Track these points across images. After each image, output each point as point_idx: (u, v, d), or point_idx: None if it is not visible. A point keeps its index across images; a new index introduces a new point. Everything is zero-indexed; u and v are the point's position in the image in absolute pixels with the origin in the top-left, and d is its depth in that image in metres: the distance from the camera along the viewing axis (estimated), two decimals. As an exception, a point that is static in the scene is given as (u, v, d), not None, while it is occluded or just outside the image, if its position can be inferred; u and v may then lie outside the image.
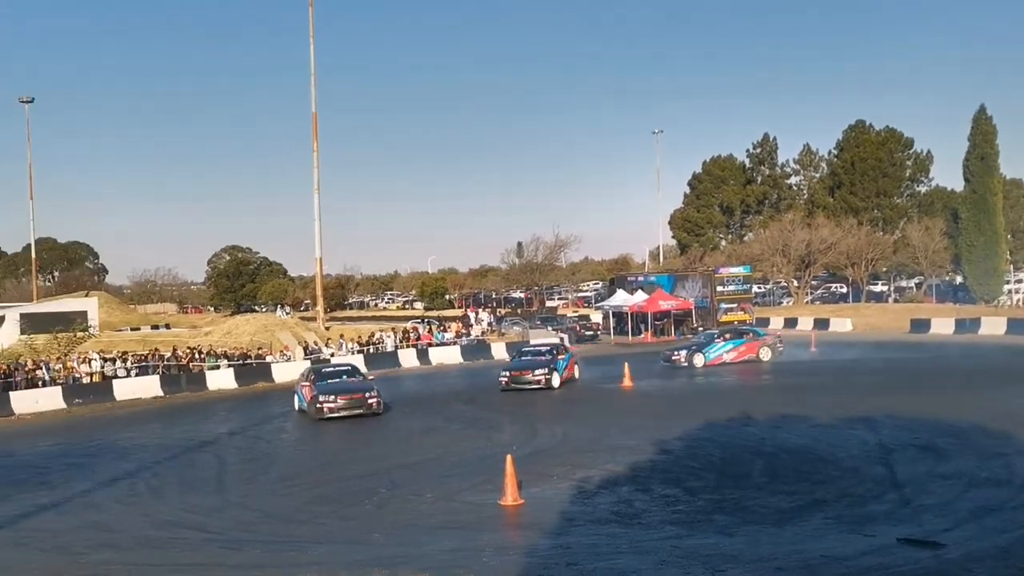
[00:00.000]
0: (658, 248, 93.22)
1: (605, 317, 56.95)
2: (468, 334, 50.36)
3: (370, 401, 24.96)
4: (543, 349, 31.65)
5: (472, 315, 58.94)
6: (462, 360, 44.14)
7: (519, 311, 72.12)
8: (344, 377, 26.75)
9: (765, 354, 34.12)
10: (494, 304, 79.93)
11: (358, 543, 12.30)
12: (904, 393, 23.95)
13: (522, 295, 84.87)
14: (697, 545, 11.07)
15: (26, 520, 14.83)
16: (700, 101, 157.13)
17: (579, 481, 15.36)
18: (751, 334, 36.08)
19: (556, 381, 29.10)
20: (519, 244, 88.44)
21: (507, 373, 29.77)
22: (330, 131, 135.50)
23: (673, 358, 33.86)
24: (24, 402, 31.53)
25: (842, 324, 52.89)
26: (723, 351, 33.89)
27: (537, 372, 29.11)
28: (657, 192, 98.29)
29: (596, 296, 78.49)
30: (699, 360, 33.27)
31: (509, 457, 14.23)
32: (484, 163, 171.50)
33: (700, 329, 51.74)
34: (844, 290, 70.91)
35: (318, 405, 24.58)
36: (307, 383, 26.18)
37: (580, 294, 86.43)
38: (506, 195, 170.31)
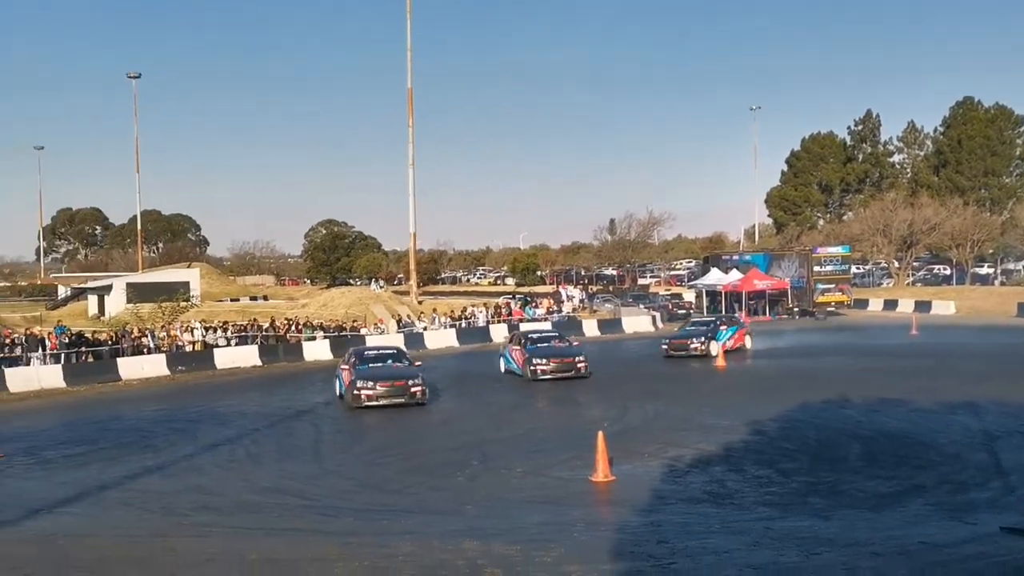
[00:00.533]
0: (753, 227, 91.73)
1: (698, 296, 56.37)
2: (559, 311, 50.36)
3: (413, 390, 22.46)
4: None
5: (563, 292, 58.89)
6: (519, 331, 44.14)
7: (611, 288, 71.80)
8: (389, 361, 24.57)
9: (749, 342, 33.91)
10: (585, 281, 79.69)
11: (450, 514, 12.45)
12: (1010, 379, 23.11)
13: (614, 272, 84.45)
14: (791, 527, 10.90)
15: (132, 482, 15.41)
16: (800, 77, 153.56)
17: (671, 459, 15.26)
18: (737, 321, 35.83)
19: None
20: (612, 221, 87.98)
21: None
22: (426, 106, 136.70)
23: (691, 346, 31.62)
24: (130, 368, 32.70)
25: (945, 307, 51.26)
26: (726, 338, 32.43)
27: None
28: (754, 170, 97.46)
29: (689, 275, 77.63)
30: (714, 348, 31.21)
31: (600, 433, 14.21)
32: (578, 139, 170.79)
33: (795, 309, 50.89)
34: (947, 272, 68.64)
35: (355, 392, 22.21)
36: (347, 367, 23.84)
37: (673, 272, 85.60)
38: (599, 172, 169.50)
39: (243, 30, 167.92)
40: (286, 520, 12.34)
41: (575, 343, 29.59)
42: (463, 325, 45.62)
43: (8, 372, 29.80)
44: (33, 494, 14.69)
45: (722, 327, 32.71)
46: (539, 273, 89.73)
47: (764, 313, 50.63)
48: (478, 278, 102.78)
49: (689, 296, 59.13)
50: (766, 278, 51.88)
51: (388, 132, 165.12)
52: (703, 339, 31.39)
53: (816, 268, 52.33)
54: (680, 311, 53.90)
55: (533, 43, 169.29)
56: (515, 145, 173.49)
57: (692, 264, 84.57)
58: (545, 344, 28.07)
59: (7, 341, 33.18)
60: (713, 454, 15.57)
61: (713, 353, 30.18)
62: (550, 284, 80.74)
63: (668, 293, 63.51)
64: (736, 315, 38.74)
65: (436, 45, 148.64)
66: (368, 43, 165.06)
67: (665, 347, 32.08)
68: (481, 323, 46.19)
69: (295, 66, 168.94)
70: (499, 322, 46.37)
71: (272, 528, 11.85)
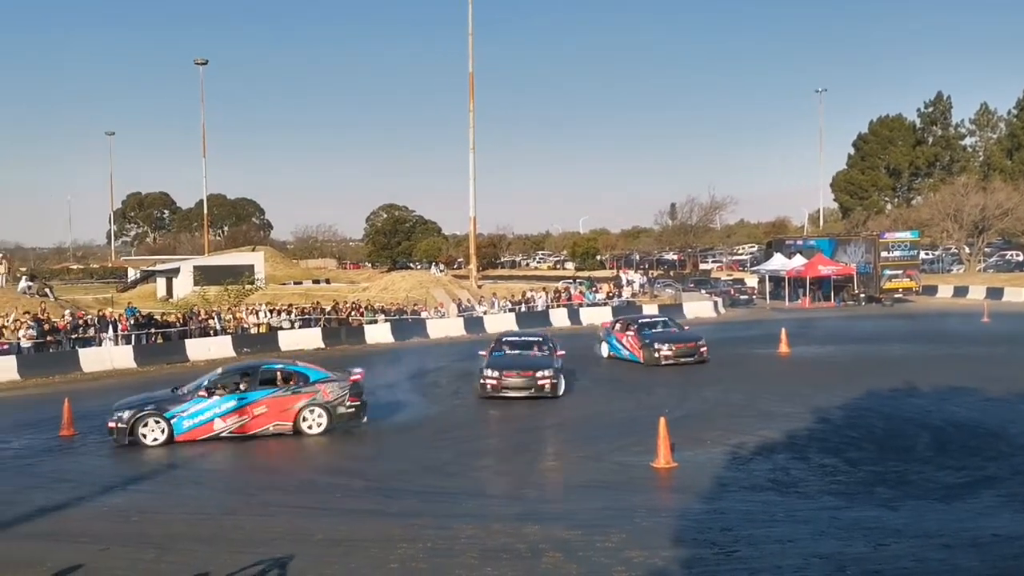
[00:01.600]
0: (818, 211, 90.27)
1: (761, 281, 55.69)
2: (619, 295, 50.11)
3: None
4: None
5: (624, 276, 58.60)
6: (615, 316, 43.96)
7: (672, 273, 71.31)
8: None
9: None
10: (646, 266, 79.22)
11: (510, 498, 12.51)
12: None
13: (675, 257, 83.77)
14: (858, 517, 10.75)
15: (201, 460, 15.74)
16: (867, 58, 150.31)
17: (733, 447, 15.14)
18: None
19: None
20: (673, 205, 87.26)
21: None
22: (487, 90, 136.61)
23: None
24: (198, 349, 33.31)
25: (1018, 294, 49.90)
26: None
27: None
28: (819, 153, 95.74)
29: (752, 259, 76.80)
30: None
31: (662, 419, 14.15)
32: (639, 123, 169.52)
33: (861, 295, 50.00)
34: (1021, 258, 66.79)
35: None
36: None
37: (735, 257, 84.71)
38: (660, 156, 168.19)
39: (307, 16, 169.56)
40: (348, 501, 12.53)
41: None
42: (522, 309, 45.63)
43: (82, 352, 30.62)
44: (107, 471, 15.10)
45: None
46: (599, 258, 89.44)
47: (830, 299, 49.88)
48: (537, 262, 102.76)
49: (752, 281, 58.47)
50: (831, 263, 51.03)
51: (449, 116, 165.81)
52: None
53: (883, 254, 51.19)
54: (743, 296, 53.43)
55: (594, 26, 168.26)
56: (576, 129, 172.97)
57: (754, 249, 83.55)
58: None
59: (81, 322, 34.05)
60: (776, 441, 15.41)
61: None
62: (610, 269, 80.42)
63: (730, 278, 62.85)
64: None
65: (498, 29, 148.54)
66: (430, 27, 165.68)
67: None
68: (540, 307, 46.17)
69: (359, 51, 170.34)
70: (558, 306, 46.29)
71: (336, 508, 12.04)
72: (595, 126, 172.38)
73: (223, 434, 16.93)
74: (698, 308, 47.07)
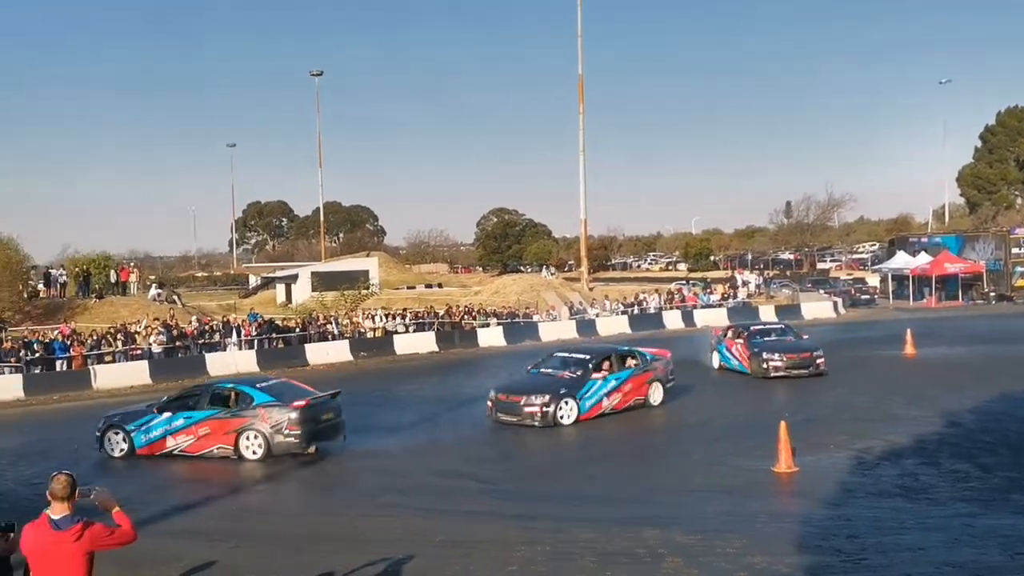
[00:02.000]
0: (943, 207, 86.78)
1: (883, 280, 54.04)
2: (735, 296, 49.29)
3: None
4: (577, 359, 20.13)
5: (739, 277, 57.61)
6: (728, 322, 43.20)
7: (788, 273, 69.74)
8: (783, 336, 25.60)
9: (657, 394, 20.43)
10: (761, 266, 77.68)
11: (628, 501, 12.42)
12: None
13: (791, 257, 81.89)
14: (993, 525, 10.31)
15: (326, 462, 16.09)
16: (993, 46, 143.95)
17: (858, 451, 14.72)
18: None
19: (569, 414, 18.38)
20: (788, 204, 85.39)
21: (494, 395, 19.33)
22: (597, 92, 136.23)
23: (527, 410, 18.31)
24: (317, 353, 34.17)
25: None
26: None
27: (533, 402, 18.33)
28: (942, 147, 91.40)
29: (873, 258, 74.52)
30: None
31: (783, 423, 13.85)
32: (752, 121, 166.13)
33: (991, 294, 47.97)
34: None
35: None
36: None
37: (854, 256, 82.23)
38: (775, 153, 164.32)
39: (415, 25, 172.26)
40: (467, 503, 12.64)
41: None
42: (635, 311, 45.32)
43: (208, 357, 31.79)
44: (236, 472, 15.60)
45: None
46: (712, 258, 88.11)
47: (957, 298, 48.03)
48: (649, 264, 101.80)
49: (873, 280, 56.71)
50: (958, 261, 49.16)
51: (559, 119, 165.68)
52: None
53: (1014, 250, 49.07)
54: (863, 296, 51.93)
55: (705, 23, 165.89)
56: (687, 128, 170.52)
57: (875, 247, 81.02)
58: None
59: (207, 328, 35.36)
60: (904, 446, 14.90)
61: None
62: (724, 269, 79.13)
63: (850, 277, 61.08)
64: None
65: (606, 30, 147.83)
66: (539, 30, 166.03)
67: (490, 404, 19.13)
68: (653, 309, 45.77)
69: (467, 55, 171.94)
70: (671, 308, 45.82)
71: (455, 510, 12.17)
72: (707, 124, 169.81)
73: (173, 452, 16.64)
74: (817, 309, 45.92)
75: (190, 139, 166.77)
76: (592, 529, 10.76)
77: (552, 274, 67.91)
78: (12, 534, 5.80)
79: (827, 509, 11.46)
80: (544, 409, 17.84)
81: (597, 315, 44.23)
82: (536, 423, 17.88)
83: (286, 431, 16.05)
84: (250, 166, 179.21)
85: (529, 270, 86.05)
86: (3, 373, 27.97)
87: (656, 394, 19.99)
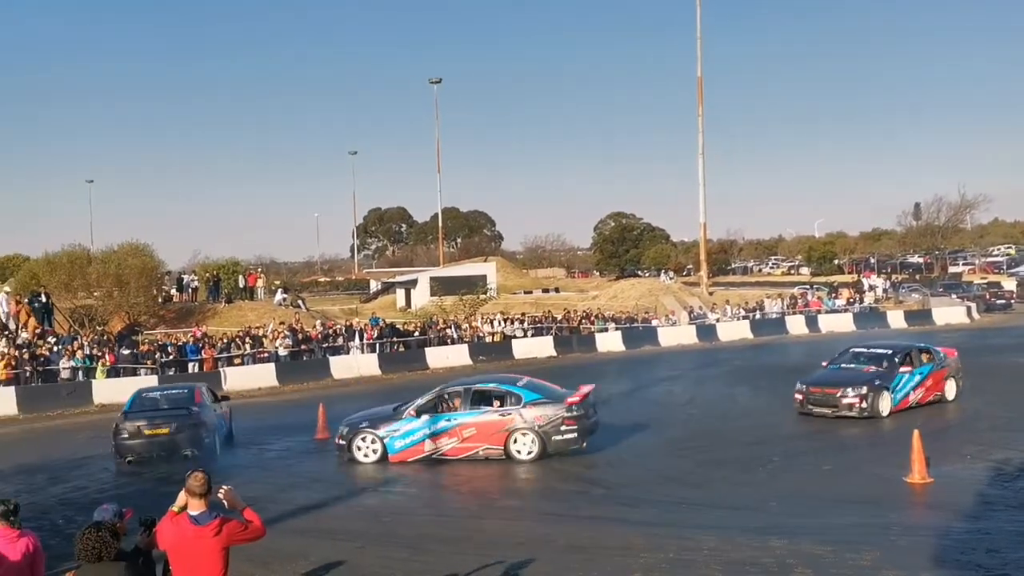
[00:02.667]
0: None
1: (1020, 284, 51.49)
2: (861, 301, 47.80)
3: (846, 400, 18.48)
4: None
5: (866, 281, 55.83)
6: (855, 328, 41.93)
7: (918, 277, 67.25)
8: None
9: (952, 389, 20.36)
10: (889, 270, 75.08)
11: (753, 510, 12.14)
12: None
13: (920, 260, 78.89)
14: None
15: (443, 466, 16.12)
16: None
17: (996, 462, 14.05)
18: (934, 356, 20.64)
19: (885, 406, 18.52)
20: (917, 205, 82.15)
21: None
22: (716, 93, 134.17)
23: (844, 401, 18.64)
24: (437, 357, 34.64)
25: None
26: (908, 388, 19.42)
27: (850, 393, 18.53)
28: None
29: (1009, 261, 71.21)
30: (884, 405, 18.71)
31: (916, 432, 13.32)
32: (877, 119, 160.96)
33: None
34: None
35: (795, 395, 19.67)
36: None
37: (989, 259, 78.67)
38: (902, 152, 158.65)
39: (530, 29, 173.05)
40: (589, 509, 12.56)
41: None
42: (757, 316, 44.43)
43: (332, 360, 32.61)
44: (359, 473, 15.90)
45: (903, 369, 19.22)
46: (836, 262, 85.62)
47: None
48: (770, 268, 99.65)
49: (1010, 284, 54.17)
50: (1103, 263, 46.59)
51: (677, 121, 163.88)
52: (865, 389, 18.46)
53: None
54: (999, 301, 49.67)
55: (824, 19, 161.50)
56: (809, 128, 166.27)
57: (1011, 249, 77.39)
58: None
59: (330, 332, 36.27)
60: (1046, 458, 14.14)
61: (883, 412, 18.44)
62: (848, 273, 76.81)
63: (984, 281, 58.47)
64: (935, 349, 20.68)
65: (727, 30, 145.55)
66: (656, 33, 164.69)
67: (799, 397, 19.40)
68: (775, 314, 44.77)
69: (583, 60, 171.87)
70: (794, 313, 44.74)
71: (577, 516, 12.12)
72: (830, 123, 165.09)
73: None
74: (949, 314, 44.14)
75: (314, 148, 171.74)
76: (717, 537, 10.55)
77: (671, 278, 67.12)
78: (154, 528, 6.05)
79: (965, 522, 10.96)
80: (863, 401, 18.32)
81: (718, 320, 43.58)
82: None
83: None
84: (371, 173, 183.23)
85: (647, 274, 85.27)
86: (140, 375, 29.26)
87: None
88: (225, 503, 6.01)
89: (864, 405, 18.33)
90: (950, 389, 20.13)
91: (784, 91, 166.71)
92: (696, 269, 69.34)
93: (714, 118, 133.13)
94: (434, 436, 16.05)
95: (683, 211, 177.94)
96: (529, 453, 15.71)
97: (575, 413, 15.68)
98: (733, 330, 41.56)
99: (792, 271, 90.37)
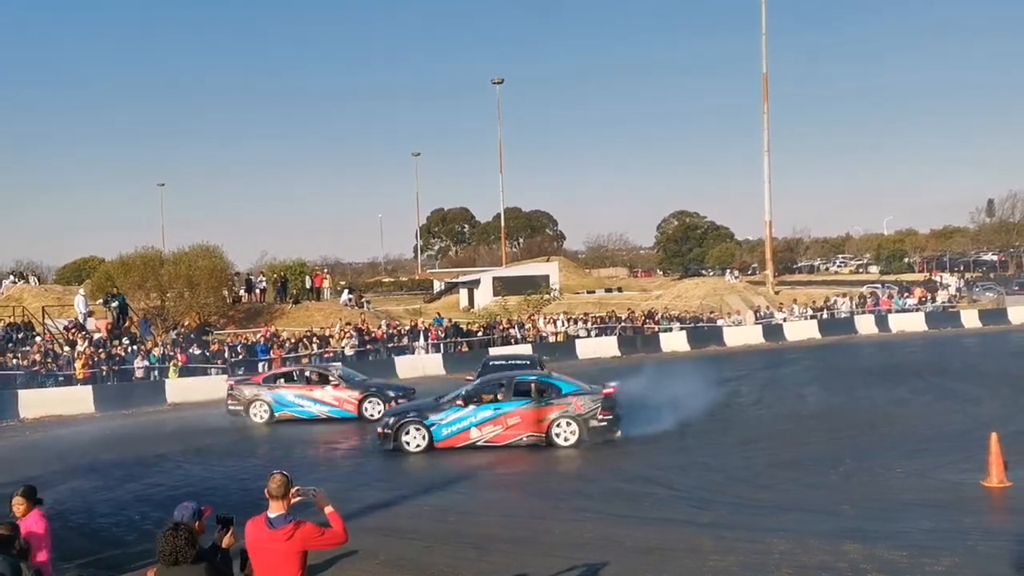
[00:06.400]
0: None
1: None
2: (933, 300, 46.72)
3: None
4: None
5: (938, 279, 54.58)
6: (926, 328, 41.04)
7: (992, 275, 65.54)
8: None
9: (572, 433, 17.93)
10: (962, 268, 73.29)
11: (825, 513, 11.92)
12: None
13: (994, 258, 76.90)
14: None
15: (504, 466, 16.23)
16: None
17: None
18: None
19: (415, 441, 17.50)
20: (990, 202, 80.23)
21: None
22: (780, 90, 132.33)
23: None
24: (500, 357, 34.67)
25: None
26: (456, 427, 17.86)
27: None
28: None
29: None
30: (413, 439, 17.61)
31: (994, 435, 12.94)
32: (947, 114, 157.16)
33: None
34: None
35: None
36: None
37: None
38: (974, 147, 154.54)
39: (590, 27, 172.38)
40: (657, 509, 12.45)
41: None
42: (824, 316, 43.71)
43: (397, 360, 32.91)
44: (424, 472, 16.01)
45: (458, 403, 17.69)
46: (906, 260, 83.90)
47: None
48: (838, 266, 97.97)
49: (1090, 282, 52.55)
50: None
51: (742, 118, 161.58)
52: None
53: None
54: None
55: (891, 13, 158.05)
56: (876, 124, 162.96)
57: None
58: None
59: (395, 332, 36.57)
60: None
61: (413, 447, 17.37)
62: (920, 272, 75.18)
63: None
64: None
65: (792, 25, 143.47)
66: (720, 29, 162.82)
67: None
68: (844, 314, 43.99)
69: (646, 58, 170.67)
70: (864, 313, 43.92)
71: (645, 517, 12.00)
72: (898, 118, 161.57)
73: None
74: (1025, 313, 42.94)
75: (378, 150, 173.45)
76: (789, 540, 10.38)
77: (736, 277, 66.39)
78: (232, 527, 6.12)
79: (1049, 528, 10.64)
80: (386, 431, 17.46)
81: (784, 319, 42.96)
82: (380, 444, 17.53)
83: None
84: (434, 174, 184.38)
85: (711, 273, 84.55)
86: (210, 374, 29.83)
87: (565, 434, 17.31)
88: (315, 502, 6.07)
89: (388, 435, 17.29)
90: (563, 432, 17.20)
91: (852, 86, 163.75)
92: (761, 268, 68.54)
93: (780, 114, 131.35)
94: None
95: (748, 209, 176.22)
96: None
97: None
98: (801, 330, 40.96)
99: (860, 270, 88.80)
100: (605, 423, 17.21)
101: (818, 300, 47.41)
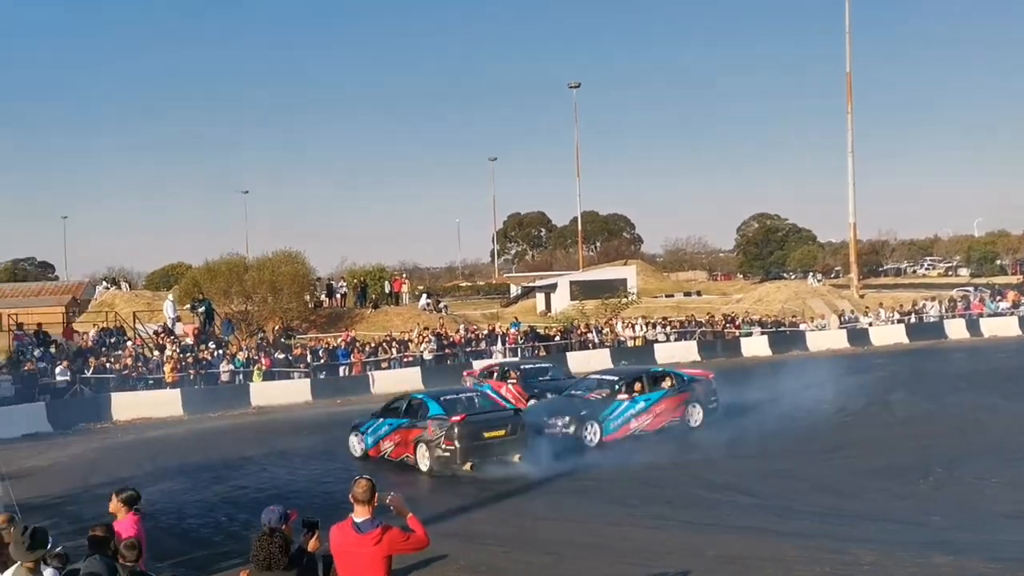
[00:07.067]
0: None
1: None
2: (1028, 303, 45.10)
3: None
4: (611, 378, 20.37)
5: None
6: (1021, 333, 39.60)
7: (1089, 278, 63.11)
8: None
9: (696, 416, 19.99)
10: (1057, 270, 70.75)
11: (914, 524, 11.60)
12: None
13: (1094, 260, 74.07)
14: None
15: (582, 472, 16.08)
16: None
17: None
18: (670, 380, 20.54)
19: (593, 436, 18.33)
20: (1088, 200, 77.20)
21: None
22: (866, 89, 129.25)
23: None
24: (578, 361, 34.40)
25: None
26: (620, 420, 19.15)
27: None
28: None
29: None
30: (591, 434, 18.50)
31: (1094, 445, 12.44)
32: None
33: None
34: None
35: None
36: None
37: None
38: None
39: (668, 29, 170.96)
40: (739, 519, 12.22)
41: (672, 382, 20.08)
42: (912, 320, 42.53)
43: (476, 364, 32.97)
44: (500, 478, 15.92)
45: (621, 396, 19.03)
46: (998, 262, 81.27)
47: None
48: (925, 269, 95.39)
49: None
50: None
51: (825, 119, 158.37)
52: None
53: None
54: None
55: (976, 11, 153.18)
56: (966, 123, 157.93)
57: None
58: None
59: (473, 336, 36.74)
60: None
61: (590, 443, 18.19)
62: (1013, 275, 72.72)
63: None
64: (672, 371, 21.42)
65: (877, 24, 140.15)
66: (803, 28, 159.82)
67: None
68: (933, 318, 42.74)
69: (724, 59, 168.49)
70: (954, 317, 42.60)
71: (726, 526, 11.80)
72: (988, 116, 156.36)
73: (636, 432, 18.60)
74: (1126, 317, 41.17)
75: (455, 155, 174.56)
76: (876, 551, 10.11)
77: (819, 281, 65.10)
78: (317, 531, 6.20)
79: None
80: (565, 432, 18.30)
81: (870, 324, 41.90)
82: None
83: (712, 399, 20.28)
84: (511, 179, 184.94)
85: (793, 277, 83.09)
86: (293, 378, 30.34)
87: (694, 415, 19.85)
88: (392, 509, 6.10)
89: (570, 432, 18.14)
90: (692, 414, 19.76)
91: (938, 85, 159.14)
92: (845, 271, 67.05)
93: (864, 114, 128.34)
94: (637, 415, 18.92)
95: (831, 211, 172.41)
96: (695, 421, 19.58)
97: (713, 388, 20.53)
98: (887, 334, 39.92)
99: (950, 272, 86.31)
100: (714, 406, 20.03)
101: (905, 304, 46.10)
